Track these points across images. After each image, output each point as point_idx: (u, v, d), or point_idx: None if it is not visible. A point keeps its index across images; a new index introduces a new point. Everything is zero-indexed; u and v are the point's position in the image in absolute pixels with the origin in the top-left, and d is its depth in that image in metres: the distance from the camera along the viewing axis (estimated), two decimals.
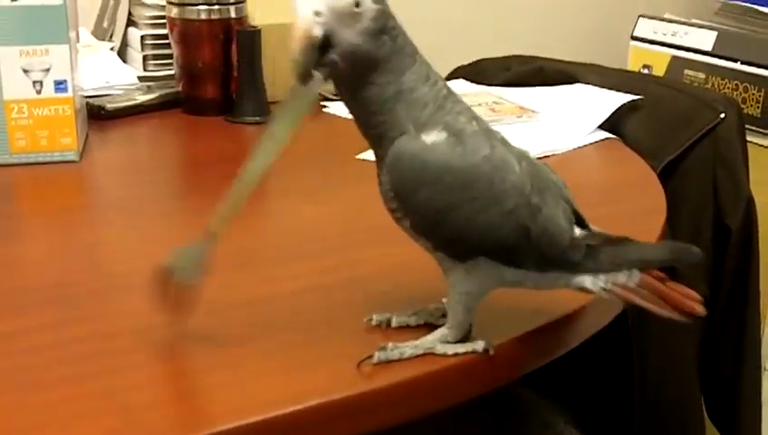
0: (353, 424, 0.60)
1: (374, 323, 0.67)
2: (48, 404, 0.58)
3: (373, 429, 0.60)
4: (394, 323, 0.67)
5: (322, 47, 0.58)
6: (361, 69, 0.60)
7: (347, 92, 0.62)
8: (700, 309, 0.65)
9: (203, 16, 1.23)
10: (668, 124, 1.18)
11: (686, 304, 0.64)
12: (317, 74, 0.59)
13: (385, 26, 0.59)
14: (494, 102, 1.23)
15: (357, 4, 0.58)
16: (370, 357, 0.62)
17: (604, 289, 0.65)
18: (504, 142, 0.63)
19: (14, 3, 1.01)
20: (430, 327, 0.66)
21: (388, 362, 0.62)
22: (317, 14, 0.58)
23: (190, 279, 0.62)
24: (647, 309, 0.65)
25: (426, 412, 0.63)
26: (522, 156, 0.63)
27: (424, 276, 0.69)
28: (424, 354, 0.63)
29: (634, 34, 1.76)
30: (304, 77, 0.59)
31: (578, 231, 0.64)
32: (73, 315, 0.70)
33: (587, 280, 0.64)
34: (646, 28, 1.74)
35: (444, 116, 0.61)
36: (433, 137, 0.60)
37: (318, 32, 0.58)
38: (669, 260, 0.65)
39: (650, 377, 1.11)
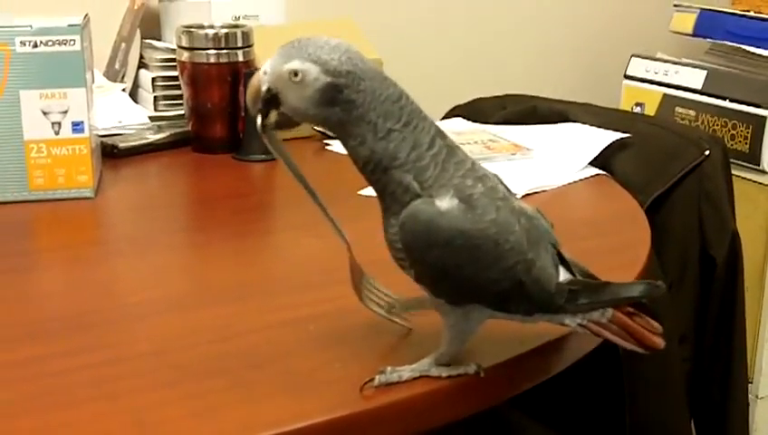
0: None
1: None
2: (70, 424, 0.62)
3: None
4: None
5: (273, 99, 0.64)
6: (324, 126, 0.66)
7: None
8: (659, 341, 0.69)
9: (212, 60, 1.28)
10: (656, 161, 1.23)
11: (647, 337, 0.69)
12: (259, 120, 0.65)
13: (335, 98, 0.63)
14: (489, 140, 1.28)
15: (295, 74, 0.62)
16: (372, 380, 0.66)
17: (580, 325, 0.69)
18: (505, 199, 0.67)
19: (35, 49, 1.06)
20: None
21: (388, 384, 0.66)
22: (265, 73, 0.64)
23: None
24: (615, 343, 0.69)
25: (419, 430, 0.67)
26: (520, 213, 0.67)
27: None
28: (420, 377, 0.68)
29: (627, 73, 1.81)
30: (258, 124, 0.66)
31: (562, 274, 0.68)
32: (92, 342, 0.75)
33: (566, 318, 0.69)
34: (638, 67, 1.79)
35: (450, 179, 0.64)
36: (446, 203, 0.63)
37: (263, 87, 0.64)
38: (638, 298, 0.69)
39: (641, 402, 1.15)
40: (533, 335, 0.73)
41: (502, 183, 0.69)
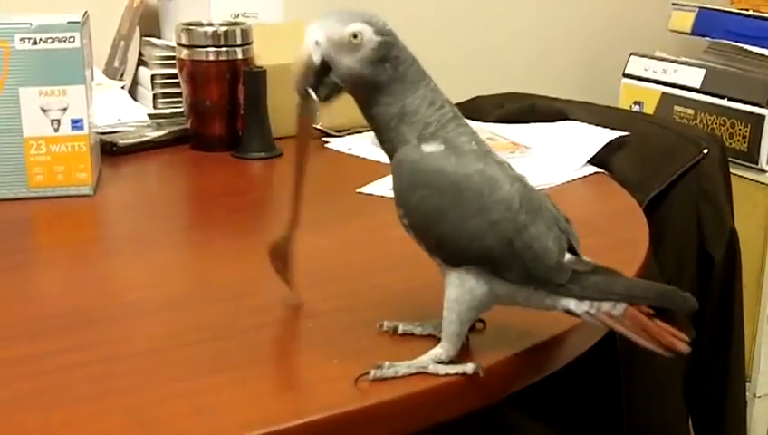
0: None
1: (384, 328, 0.73)
2: (70, 421, 0.63)
3: None
4: (400, 329, 0.73)
5: (322, 70, 0.66)
6: (364, 90, 0.68)
7: (361, 110, 0.70)
8: (682, 346, 0.67)
9: (211, 57, 1.28)
10: (654, 159, 1.23)
11: (666, 339, 0.67)
12: (313, 94, 0.67)
13: (386, 56, 0.67)
14: (488, 138, 1.28)
15: (355, 36, 0.66)
16: (367, 374, 0.67)
17: (588, 313, 0.68)
18: (501, 163, 0.69)
19: (35, 46, 1.06)
20: (434, 340, 0.71)
21: (384, 379, 0.67)
22: (317, 43, 0.66)
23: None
24: (628, 338, 0.69)
25: (416, 427, 0.67)
26: (516, 178, 0.68)
27: (421, 305, 0.74)
28: (417, 373, 0.68)
29: (626, 72, 1.81)
30: (303, 96, 0.68)
31: (569, 257, 0.69)
32: (92, 339, 0.75)
33: (572, 303, 0.69)
34: (637, 66, 1.79)
35: (446, 133, 0.67)
36: (431, 148, 0.67)
37: (316, 58, 0.66)
38: (655, 301, 0.68)
39: (638, 401, 1.15)
40: (530, 333, 0.73)
41: (508, 165, 0.70)
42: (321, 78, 0.67)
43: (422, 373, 0.68)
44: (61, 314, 0.81)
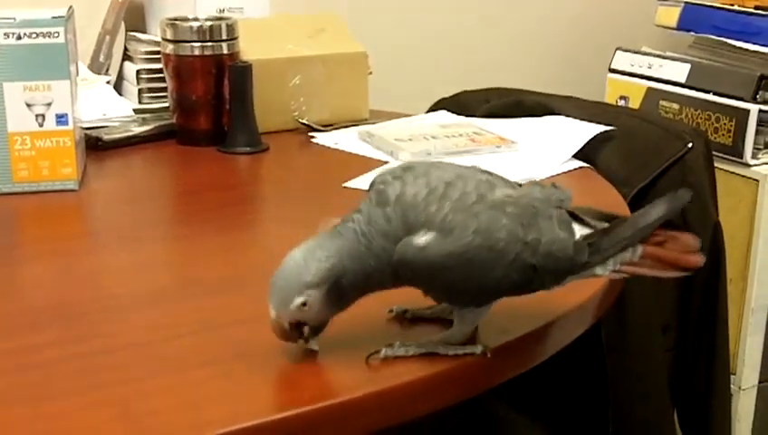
0: (332, 432, 0.65)
1: (393, 313, 0.74)
2: (57, 414, 0.62)
3: None
4: (409, 314, 0.74)
5: (298, 325, 0.67)
6: (344, 301, 0.68)
7: None
8: (695, 260, 0.68)
9: (196, 52, 1.28)
10: (639, 153, 1.24)
11: (683, 260, 0.68)
12: (304, 342, 0.68)
13: (340, 290, 0.66)
14: (474, 133, 1.28)
15: (303, 304, 0.66)
16: (377, 353, 0.68)
17: (614, 271, 0.69)
18: (481, 199, 0.67)
19: (19, 41, 1.06)
20: (442, 322, 0.73)
21: (395, 358, 0.68)
22: (279, 317, 0.67)
23: None
24: (654, 276, 0.69)
25: (403, 420, 0.67)
26: (503, 203, 0.67)
27: (411, 299, 0.74)
28: (427, 353, 0.69)
29: (611, 67, 1.81)
30: (307, 346, 0.69)
31: (578, 231, 0.69)
32: (78, 333, 0.75)
33: (597, 270, 0.69)
34: (623, 61, 1.80)
35: (417, 219, 0.66)
36: (422, 239, 0.65)
37: (285, 325, 0.67)
38: (662, 219, 0.68)
39: (624, 394, 1.16)
40: (515, 325, 0.74)
41: (482, 172, 0.70)
42: (302, 326, 0.67)
43: (432, 354, 0.69)
44: (46, 309, 0.81)
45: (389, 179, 0.68)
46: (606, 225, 0.69)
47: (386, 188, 0.68)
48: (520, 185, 0.71)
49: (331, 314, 0.68)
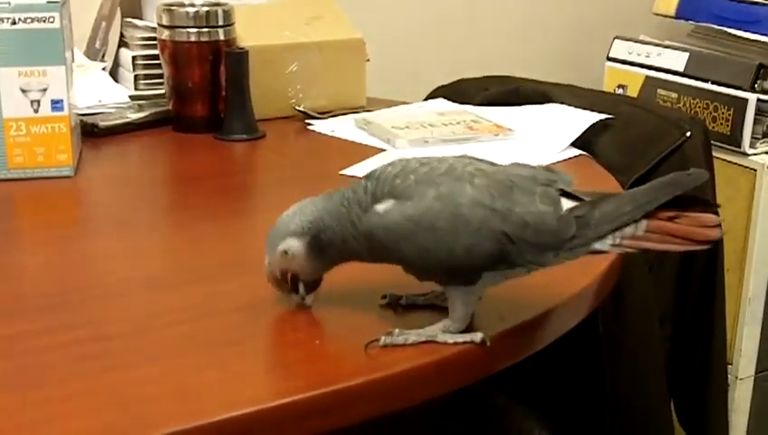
0: (328, 420, 0.64)
1: (387, 299, 0.74)
2: (50, 401, 0.62)
3: (347, 424, 0.65)
4: (404, 301, 0.74)
5: (294, 278, 0.73)
6: (336, 257, 0.73)
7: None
8: (712, 233, 0.65)
9: (193, 38, 1.27)
10: (637, 142, 1.23)
11: (698, 233, 0.65)
12: (300, 296, 0.74)
13: (318, 241, 0.70)
14: (471, 121, 1.28)
15: (285, 253, 0.71)
16: (377, 340, 0.67)
17: (614, 245, 0.67)
18: (450, 171, 0.68)
19: (14, 26, 1.05)
20: (436, 309, 0.73)
21: (394, 346, 0.68)
22: (269, 264, 0.72)
23: None
24: (663, 250, 0.67)
25: (397, 408, 0.67)
26: (473, 175, 0.67)
27: (408, 285, 0.74)
28: (426, 342, 0.68)
29: (610, 55, 1.81)
30: (301, 299, 0.74)
31: (567, 205, 0.67)
32: (72, 320, 0.75)
33: (594, 245, 0.67)
34: (621, 49, 1.80)
35: (383, 190, 0.69)
36: (381, 206, 0.68)
37: (276, 274, 0.73)
38: (666, 197, 0.66)
39: (621, 383, 1.16)
40: (513, 313, 0.73)
41: (472, 159, 0.70)
42: (297, 282, 0.73)
43: (431, 342, 0.68)
44: (41, 295, 0.80)
45: (383, 164, 0.72)
46: (594, 199, 0.68)
47: (376, 168, 0.71)
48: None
49: (316, 269, 0.72)
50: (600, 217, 0.66)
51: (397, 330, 0.68)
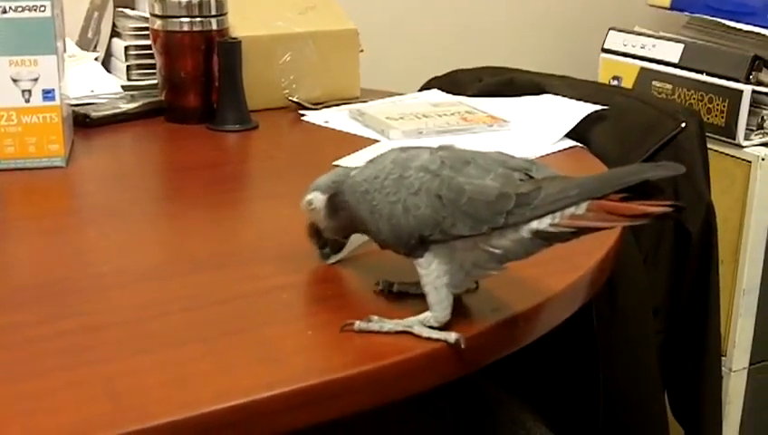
0: (320, 411, 0.64)
1: (380, 287, 0.75)
2: (42, 392, 0.61)
3: (340, 415, 0.64)
4: (395, 288, 0.75)
5: (319, 232, 0.79)
6: (350, 224, 0.77)
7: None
8: (657, 208, 0.63)
9: (185, 28, 1.26)
10: (632, 133, 1.23)
11: (639, 208, 0.64)
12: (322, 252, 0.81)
13: (335, 206, 0.75)
14: (466, 112, 1.27)
15: (310, 203, 0.77)
16: (352, 323, 0.68)
17: (552, 225, 0.66)
18: (424, 149, 0.71)
19: (4, 15, 1.05)
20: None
21: (369, 332, 0.68)
22: (303, 211, 0.78)
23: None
24: (601, 228, 0.66)
25: (391, 399, 0.67)
26: (438, 150, 0.71)
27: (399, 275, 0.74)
28: (402, 332, 0.68)
29: (604, 47, 1.80)
30: (324, 255, 0.81)
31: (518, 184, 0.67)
32: (63, 311, 0.74)
33: (533, 224, 0.66)
34: (616, 41, 1.79)
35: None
36: (354, 170, 0.75)
37: (307, 222, 0.79)
38: (620, 186, 0.64)
39: (615, 375, 1.16)
40: (507, 303, 0.73)
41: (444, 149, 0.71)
42: (323, 239, 0.80)
43: (407, 333, 0.68)
44: (33, 286, 0.80)
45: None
46: (541, 179, 0.67)
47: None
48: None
49: (334, 228, 0.77)
50: (544, 198, 0.66)
51: (375, 317, 0.68)
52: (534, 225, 0.66)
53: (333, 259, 0.80)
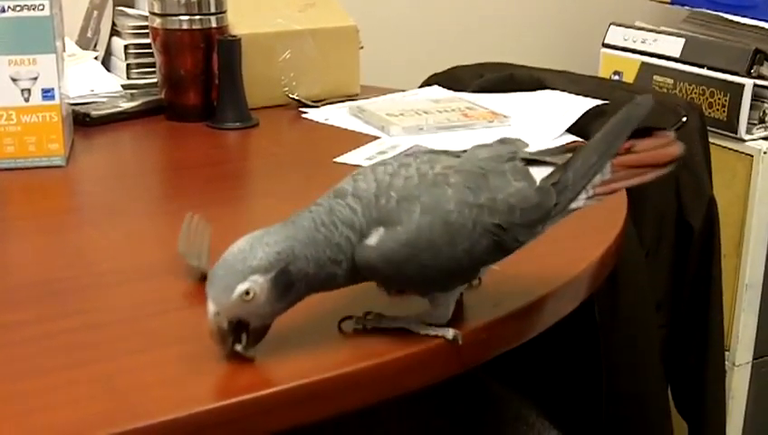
0: (318, 408, 0.64)
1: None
2: (41, 390, 0.61)
3: (339, 412, 0.64)
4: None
5: (239, 326, 0.62)
6: (298, 295, 0.64)
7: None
8: (673, 150, 0.66)
9: (185, 26, 1.26)
10: None
11: (660, 156, 0.66)
12: (241, 348, 0.63)
13: (287, 279, 0.61)
14: (466, 108, 1.27)
15: (247, 293, 0.60)
16: (350, 318, 0.67)
17: (589, 199, 0.67)
18: (424, 178, 0.65)
19: (3, 14, 1.04)
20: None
21: (365, 328, 0.67)
22: (217, 314, 0.61)
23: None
24: (635, 185, 0.67)
25: (391, 396, 0.67)
26: (445, 175, 0.65)
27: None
28: (399, 329, 0.67)
29: (605, 42, 1.80)
30: (234, 354, 0.63)
31: (537, 174, 0.66)
32: (63, 309, 0.74)
33: (571, 206, 0.67)
34: (616, 35, 1.79)
35: (365, 218, 0.64)
36: (373, 239, 0.63)
37: (224, 325, 0.62)
38: (628, 131, 0.66)
39: (618, 371, 1.15)
40: (508, 298, 0.73)
41: (425, 153, 0.68)
42: (241, 331, 0.63)
43: (404, 329, 0.67)
44: (32, 285, 0.80)
45: (345, 180, 0.67)
46: (561, 163, 0.67)
47: (342, 185, 0.66)
48: (465, 151, 0.69)
49: (274, 312, 0.63)
50: (574, 177, 0.66)
51: (373, 313, 0.68)
52: (573, 206, 0.68)
53: (254, 351, 0.64)
